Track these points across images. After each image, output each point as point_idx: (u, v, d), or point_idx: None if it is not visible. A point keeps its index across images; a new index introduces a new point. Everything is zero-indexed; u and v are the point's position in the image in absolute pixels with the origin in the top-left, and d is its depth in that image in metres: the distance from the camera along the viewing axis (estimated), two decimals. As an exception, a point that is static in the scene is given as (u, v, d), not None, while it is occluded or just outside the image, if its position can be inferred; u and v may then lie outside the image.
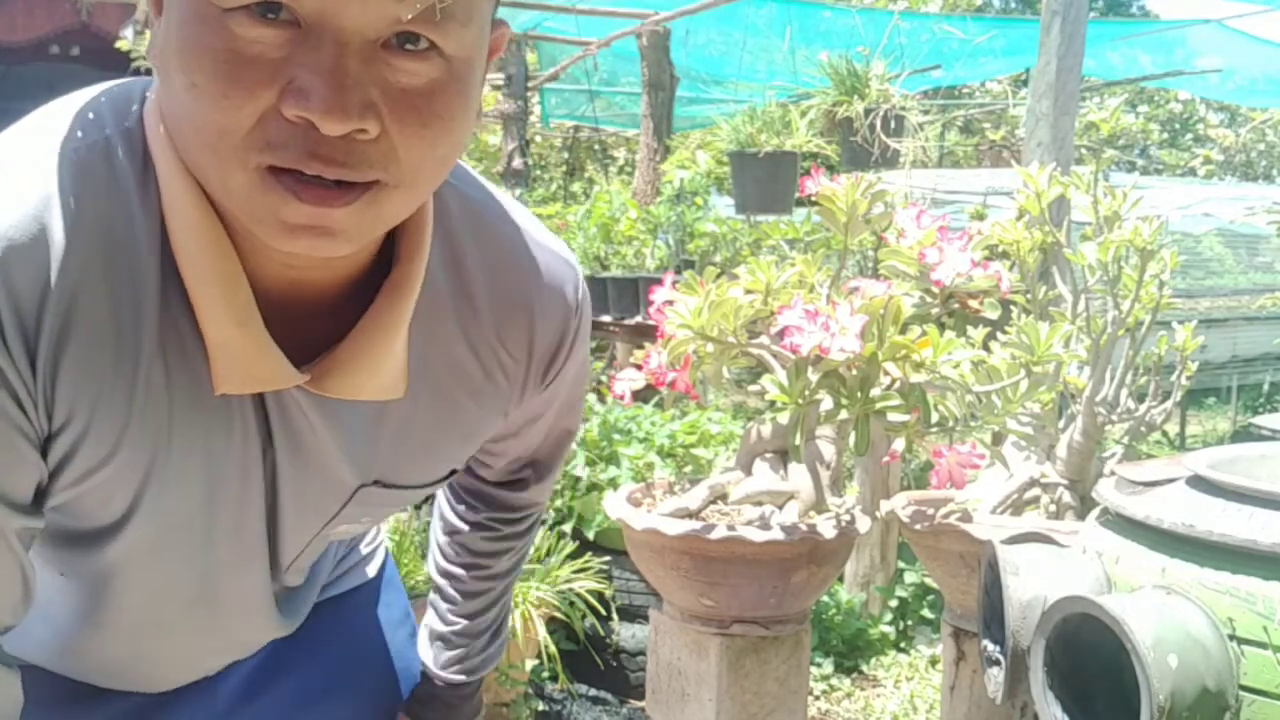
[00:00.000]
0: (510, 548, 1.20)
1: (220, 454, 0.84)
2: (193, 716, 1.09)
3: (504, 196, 0.96)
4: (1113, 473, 1.66)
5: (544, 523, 3.24)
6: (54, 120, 0.78)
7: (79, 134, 0.76)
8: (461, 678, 1.23)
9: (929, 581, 3.61)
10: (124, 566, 0.90)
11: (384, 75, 0.68)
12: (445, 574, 1.21)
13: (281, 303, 0.80)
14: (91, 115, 0.78)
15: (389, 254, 0.83)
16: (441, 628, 1.23)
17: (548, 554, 3.16)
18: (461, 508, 1.19)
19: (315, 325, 0.82)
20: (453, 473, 1.02)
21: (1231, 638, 1.19)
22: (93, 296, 0.74)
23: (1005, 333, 1.86)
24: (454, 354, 0.91)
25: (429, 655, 1.25)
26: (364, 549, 1.25)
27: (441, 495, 1.20)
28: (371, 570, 1.25)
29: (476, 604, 1.21)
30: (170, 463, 0.82)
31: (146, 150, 0.77)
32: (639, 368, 1.91)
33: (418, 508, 3.49)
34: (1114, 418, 1.97)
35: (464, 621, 1.21)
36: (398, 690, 1.25)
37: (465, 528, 1.18)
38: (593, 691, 3.31)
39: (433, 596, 1.24)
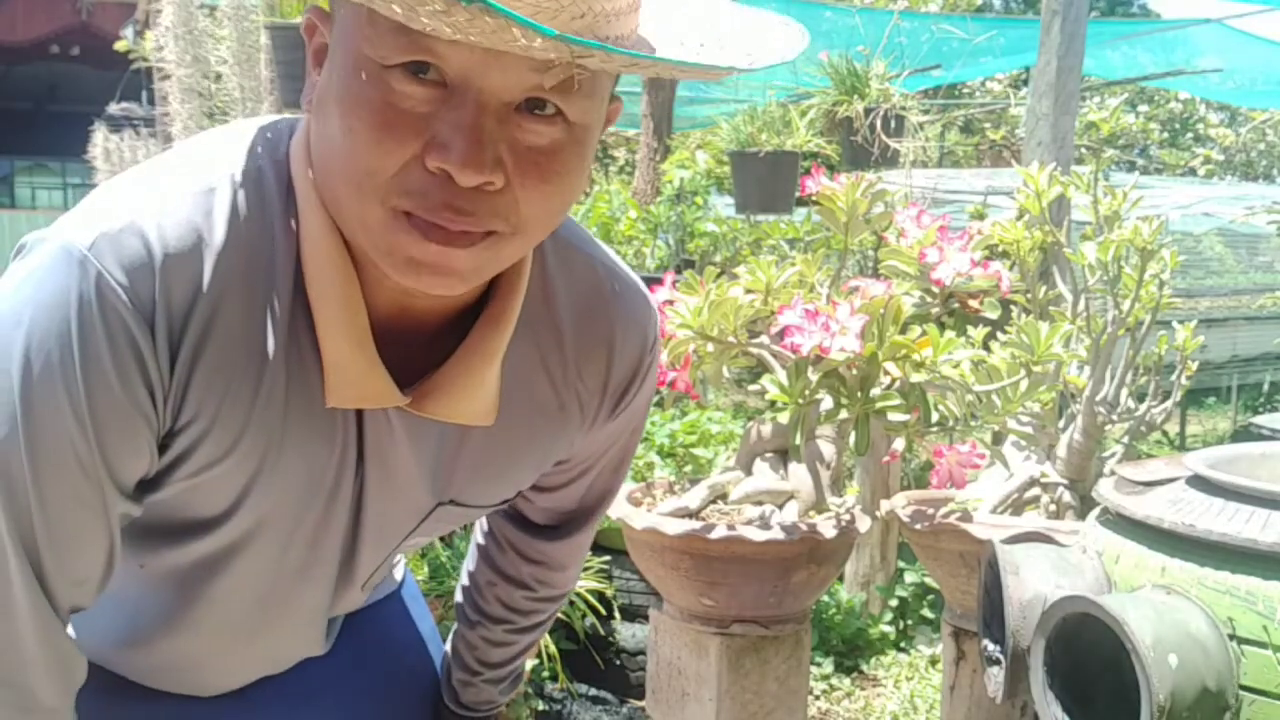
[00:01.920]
0: (541, 609, 1.26)
1: (321, 463, 0.90)
2: None
3: (591, 235, 1.04)
4: (1113, 472, 1.66)
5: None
6: (216, 148, 0.87)
7: (237, 160, 0.85)
8: (477, 712, 1.31)
9: (929, 581, 3.61)
10: (208, 561, 0.95)
11: (513, 135, 0.76)
12: (473, 624, 1.26)
13: (390, 328, 0.87)
14: (249, 145, 0.86)
15: (489, 287, 0.90)
16: (462, 673, 1.28)
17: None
18: (504, 562, 1.23)
19: (418, 351, 0.89)
20: (518, 494, 1.08)
21: (1231, 637, 1.19)
22: (233, 307, 0.82)
23: (1005, 332, 1.86)
24: (533, 384, 0.98)
25: (447, 688, 1.30)
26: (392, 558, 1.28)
27: (484, 548, 1.25)
28: (398, 574, 1.30)
29: (502, 653, 1.27)
30: (278, 466, 0.88)
31: (291, 181, 0.85)
32: (639, 367, 1.91)
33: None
34: (1114, 417, 1.97)
35: (487, 670, 1.27)
36: (434, 703, 1.29)
37: (505, 582, 1.23)
38: (593, 691, 3.31)
39: (457, 639, 1.28)
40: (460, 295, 0.87)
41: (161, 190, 0.81)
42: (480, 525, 1.25)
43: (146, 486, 0.86)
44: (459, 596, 1.28)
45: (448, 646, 1.30)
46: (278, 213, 0.84)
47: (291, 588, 1.00)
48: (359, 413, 0.90)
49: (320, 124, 0.79)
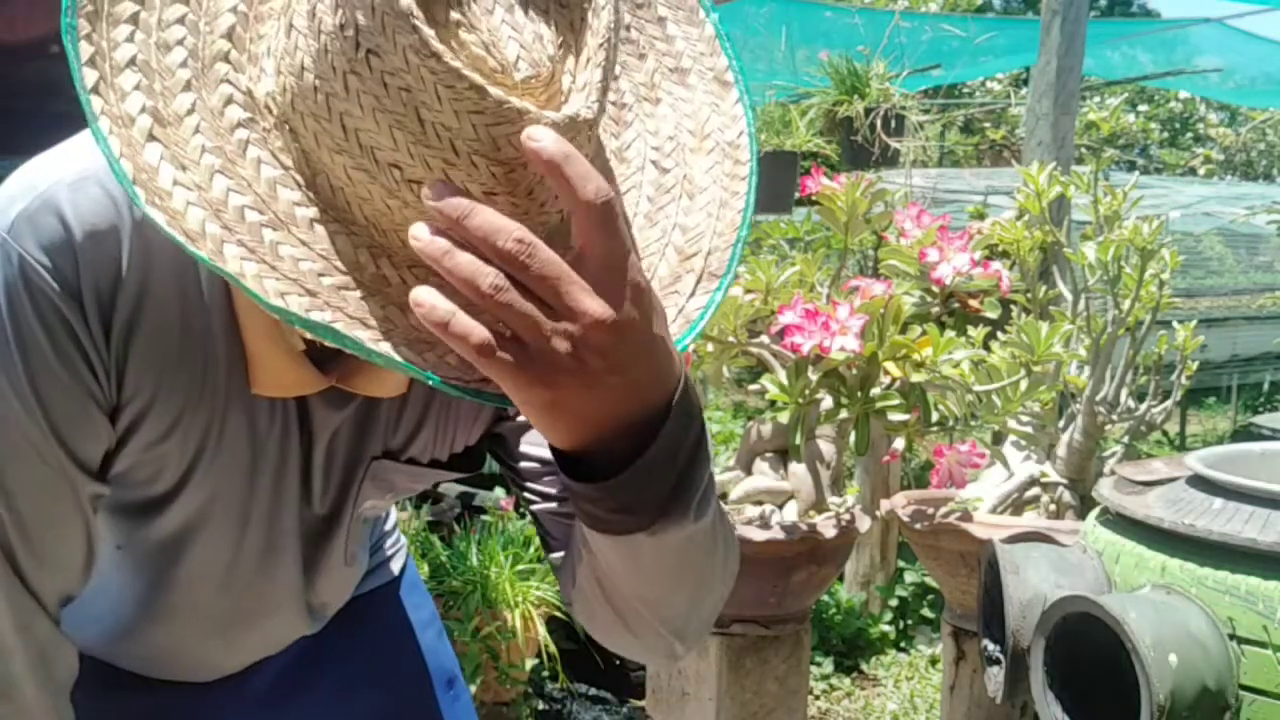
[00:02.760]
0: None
1: (262, 442, 0.90)
2: (228, 714, 1.13)
3: None
4: (1113, 472, 1.66)
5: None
6: None
7: None
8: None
9: (929, 581, 3.61)
10: (169, 543, 0.95)
11: None
12: None
13: None
14: None
15: None
16: None
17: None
18: None
19: None
20: (465, 453, 1.02)
21: (1231, 637, 1.19)
22: (163, 285, 0.80)
23: (1005, 332, 1.86)
24: None
25: None
26: (388, 549, 1.28)
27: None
28: (395, 567, 1.28)
29: None
30: (221, 444, 0.87)
31: None
32: (639, 367, 1.91)
33: (417, 506, 3.50)
34: (1114, 417, 1.97)
35: None
36: (428, 689, 1.27)
37: None
38: (593, 690, 3.31)
39: None
40: None
41: (78, 165, 0.79)
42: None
43: (104, 463, 0.86)
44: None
45: None
46: None
47: (257, 568, 0.99)
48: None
49: None
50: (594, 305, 0.62)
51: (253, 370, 0.84)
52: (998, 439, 2.06)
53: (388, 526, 1.28)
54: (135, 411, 0.83)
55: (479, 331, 0.61)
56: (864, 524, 1.99)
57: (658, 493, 0.70)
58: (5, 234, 0.76)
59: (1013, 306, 2.09)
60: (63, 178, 0.78)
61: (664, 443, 0.67)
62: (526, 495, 0.99)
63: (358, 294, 0.66)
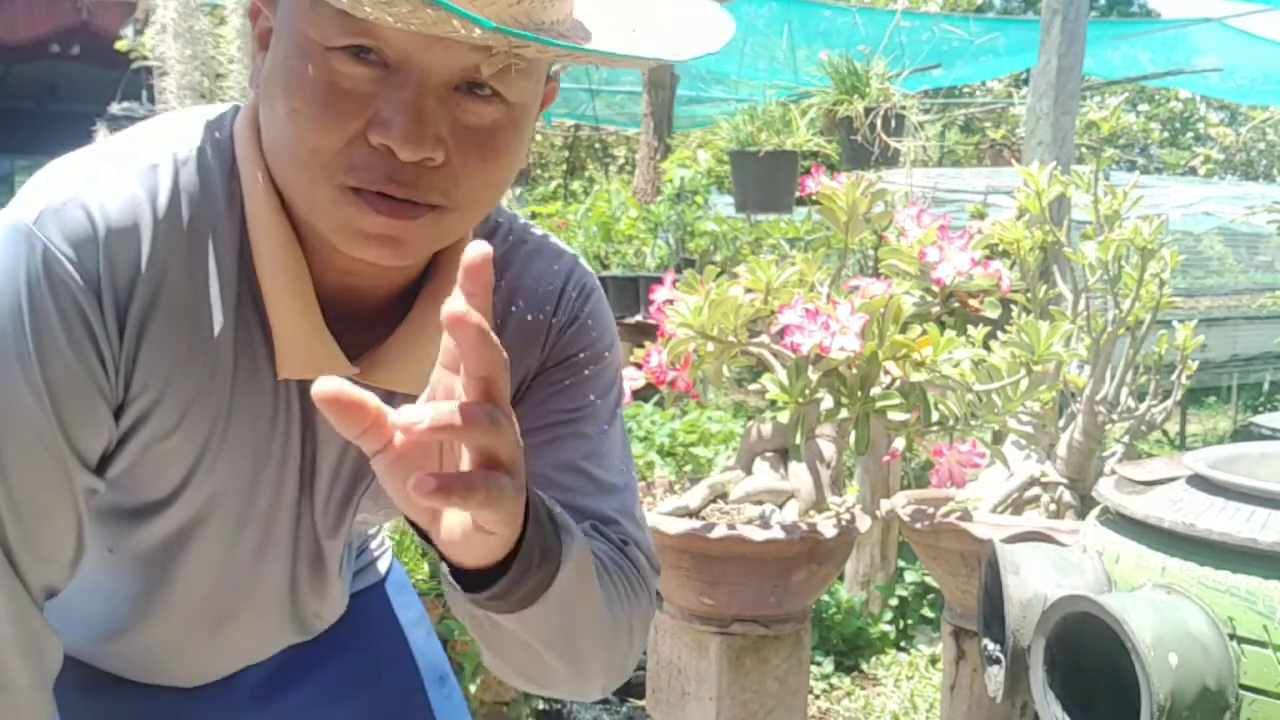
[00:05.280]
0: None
1: (265, 439, 0.92)
2: (214, 716, 1.13)
3: (513, 213, 1.05)
4: (1113, 472, 1.66)
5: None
6: (159, 130, 0.90)
7: (179, 140, 0.88)
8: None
9: (929, 580, 3.61)
10: (168, 542, 0.96)
11: (454, 114, 0.80)
12: None
13: (336, 305, 0.89)
14: (191, 127, 0.89)
15: (429, 263, 0.93)
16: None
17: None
18: None
19: (364, 329, 0.92)
20: None
21: (1231, 637, 1.19)
22: (177, 280, 0.84)
23: (1005, 331, 1.86)
24: None
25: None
26: (374, 550, 1.29)
27: None
28: (382, 567, 1.29)
29: None
30: (225, 439, 0.90)
31: (234, 162, 0.88)
32: (639, 366, 1.92)
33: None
34: (1114, 417, 1.97)
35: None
36: (420, 688, 1.27)
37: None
38: (593, 690, 3.31)
39: None
40: (402, 272, 0.90)
41: (105, 167, 0.84)
42: None
43: (104, 459, 0.88)
44: None
45: None
46: (221, 189, 0.87)
47: (250, 568, 1.01)
48: (304, 386, 0.91)
49: (267, 106, 0.82)
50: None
51: (281, 352, 0.88)
52: (998, 439, 2.06)
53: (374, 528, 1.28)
54: (143, 406, 0.86)
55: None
56: (864, 524, 1.99)
57: (540, 578, 0.77)
58: (32, 225, 0.80)
59: (1013, 306, 2.09)
60: (93, 176, 0.83)
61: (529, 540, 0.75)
62: None
63: None
